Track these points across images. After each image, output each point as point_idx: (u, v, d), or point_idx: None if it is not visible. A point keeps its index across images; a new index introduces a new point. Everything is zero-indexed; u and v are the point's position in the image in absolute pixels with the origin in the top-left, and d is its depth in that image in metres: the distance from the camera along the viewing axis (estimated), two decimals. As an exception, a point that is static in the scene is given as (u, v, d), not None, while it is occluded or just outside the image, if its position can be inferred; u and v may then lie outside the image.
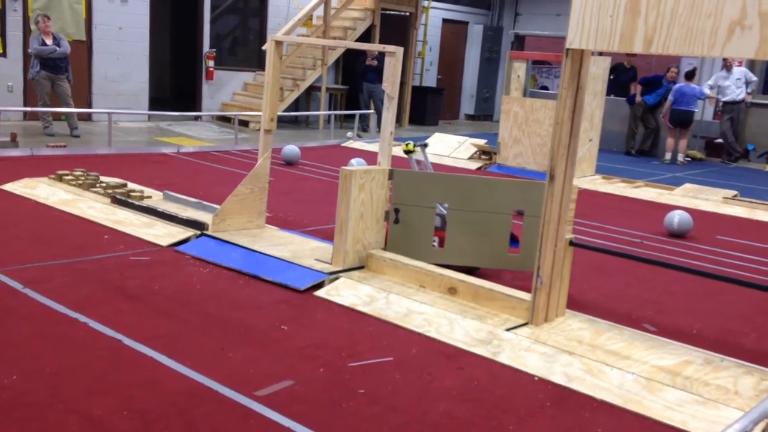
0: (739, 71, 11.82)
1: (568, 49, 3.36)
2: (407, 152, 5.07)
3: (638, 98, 12.25)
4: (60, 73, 9.42)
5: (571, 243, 3.69)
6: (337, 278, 4.18)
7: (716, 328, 4.02)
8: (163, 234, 4.88)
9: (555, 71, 17.85)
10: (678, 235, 6.25)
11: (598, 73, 8.84)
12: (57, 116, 9.75)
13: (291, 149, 8.73)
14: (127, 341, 3.20)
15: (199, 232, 4.84)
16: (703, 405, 2.93)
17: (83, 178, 6.06)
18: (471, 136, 11.29)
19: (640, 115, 12.35)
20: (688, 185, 8.64)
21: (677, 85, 11.67)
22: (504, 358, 3.33)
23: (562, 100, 3.42)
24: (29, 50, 9.55)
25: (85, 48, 11.14)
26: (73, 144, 8.75)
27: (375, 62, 12.46)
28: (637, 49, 3.10)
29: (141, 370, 2.95)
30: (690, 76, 11.69)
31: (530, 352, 3.36)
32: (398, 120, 13.85)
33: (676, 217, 6.30)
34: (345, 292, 4.02)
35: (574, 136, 3.51)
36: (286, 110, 12.50)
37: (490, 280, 4.05)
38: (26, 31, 10.44)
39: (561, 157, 3.49)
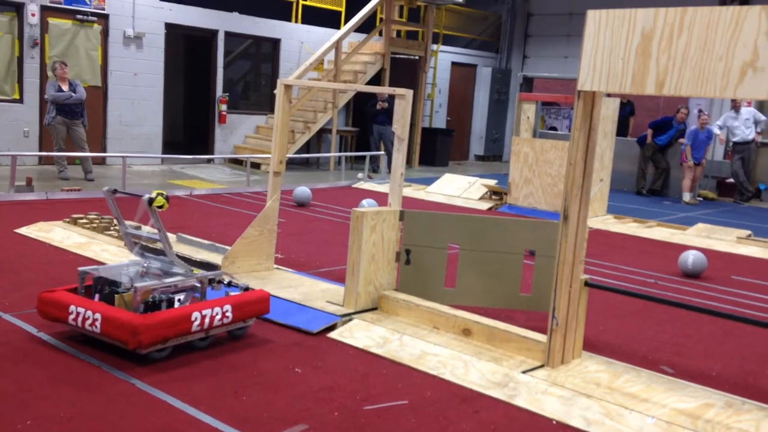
0: (748, 111, 11.87)
1: (579, 91, 3.39)
2: (159, 207, 3.75)
3: (649, 140, 12.33)
4: (76, 118, 9.59)
5: (587, 284, 3.67)
6: (350, 320, 4.16)
7: (736, 370, 3.95)
8: (177, 276, 4.88)
9: (563, 112, 18.01)
10: (692, 275, 6.20)
11: (607, 114, 8.90)
12: (72, 160, 9.88)
13: (302, 191, 8.78)
14: (141, 385, 3.18)
15: (212, 275, 4.84)
16: (726, 449, 2.87)
17: (97, 221, 6.11)
18: (481, 176, 11.33)
19: (650, 155, 12.40)
20: (701, 225, 8.59)
21: (692, 129, 11.70)
22: (521, 401, 3.28)
23: (575, 141, 3.44)
24: (46, 96, 9.74)
25: (100, 94, 11.35)
26: (87, 188, 8.85)
27: (386, 104, 12.62)
28: (649, 91, 3.12)
29: (156, 416, 2.92)
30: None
31: (547, 395, 3.31)
32: (408, 161, 13.94)
33: (691, 257, 6.25)
34: (358, 334, 4.00)
35: (587, 176, 3.52)
36: (297, 152, 12.62)
37: (504, 321, 4.02)
38: (43, 78, 10.66)
39: (575, 197, 3.50)
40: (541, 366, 3.59)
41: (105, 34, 11.28)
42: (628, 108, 13.59)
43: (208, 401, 3.06)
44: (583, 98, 3.42)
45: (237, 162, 12.40)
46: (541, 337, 3.68)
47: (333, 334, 4.01)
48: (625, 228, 8.51)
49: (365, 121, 13.59)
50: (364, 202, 7.85)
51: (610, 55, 3.23)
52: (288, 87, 4.98)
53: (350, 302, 4.31)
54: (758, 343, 4.40)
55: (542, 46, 17.25)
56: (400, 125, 4.40)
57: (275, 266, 5.18)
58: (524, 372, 3.52)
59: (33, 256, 5.34)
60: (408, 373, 3.56)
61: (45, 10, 10.61)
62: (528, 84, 17.66)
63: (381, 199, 8.25)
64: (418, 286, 4.46)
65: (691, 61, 2.99)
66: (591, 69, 3.31)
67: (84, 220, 6.13)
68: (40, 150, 10.57)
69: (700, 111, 12.27)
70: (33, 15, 10.44)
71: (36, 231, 6.04)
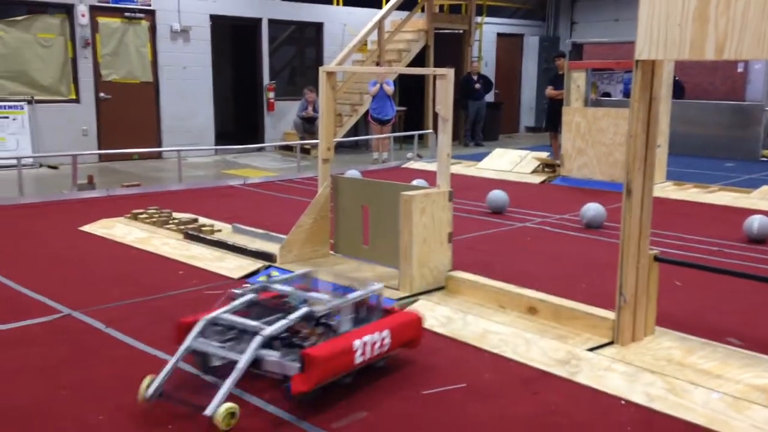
0: None
1: (638, 61, 3.27)
2: None
3: None
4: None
5: (656, 258, 3.56)
6: (416, 300, 4.18)
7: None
8: (234, 267, 4.97)
9: (616, 76, 17.46)
10: (759, 240, 5.97)
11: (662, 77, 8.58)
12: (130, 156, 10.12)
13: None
14: (203, 375, 3.25)
15: (267, 264, 4.91)
16: (800, 424, 2.76)
17: (157, 215, 6.26)
18: (533, 149, 11.12)
19: None
20: (765, 187, 8.25)
21: None
22: (582, 378, 3.23)
23: (635, 112, 3.33)
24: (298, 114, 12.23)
25: (152, 89, 11.57)
26: (146, 182, 9.07)
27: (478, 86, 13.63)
28: (708, 56, 2.99)
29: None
30: None
31: (610, 372, 3.25)
32: (456, 137, 13.80)
33: (756, 222, 6.02)
34: (423, 314, 3.99)
35: (650, 148, 3.41)
36: (345, 135, 12.64)
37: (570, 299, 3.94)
38: (97, 77, 10.93)
39: (637, 170, 3.40)
40: (610, 343, 3.52)
41: (153, 29, 11.47)
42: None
43: (271, 390, 3.11)
44: (642, 68, 3.30)
45: (287, 148, 12.51)
46: (609, 314, 3.60)
47: (395, 317, 4.01)
48: (686, 194, 8.24)
49: (411, 101, 13.53)
50: (414, 182, 7.81)
51: (667, 22, 3.10)
52: (330, 74, 4.96)
53: (405, 285, 4.31)
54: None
55: (591, 10, 16.74)
56: (443, 105, 4.33)
57: (330, 252, 5.21)
58: (590, 349, 3.46)
59: (97, 253, 5.51)
60: (469, 353, 3.54)
61: (94, 10, 10.84)
62: (577, 50, 17.15)
63: (432, 177, 8.20)
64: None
65: (750, 24, 2.84)
66: (648, 37, 3.18)
67: (144, 215, 6.28)
68: (99, 148, 10.87)
69: None
70: (83, 15, 10.69)
71: (99, 228, 6.22)
